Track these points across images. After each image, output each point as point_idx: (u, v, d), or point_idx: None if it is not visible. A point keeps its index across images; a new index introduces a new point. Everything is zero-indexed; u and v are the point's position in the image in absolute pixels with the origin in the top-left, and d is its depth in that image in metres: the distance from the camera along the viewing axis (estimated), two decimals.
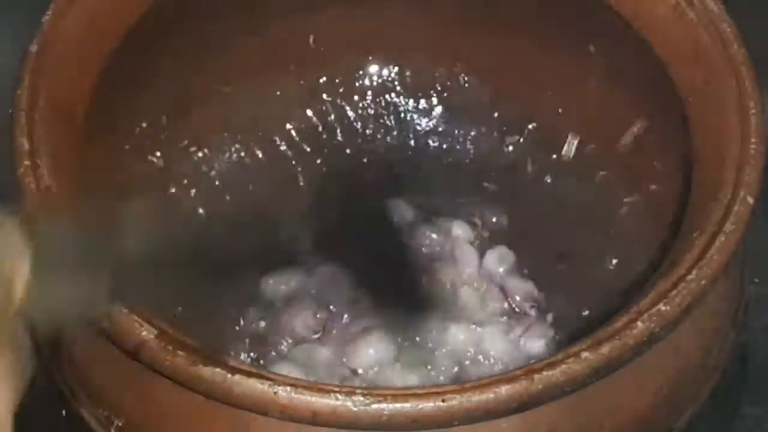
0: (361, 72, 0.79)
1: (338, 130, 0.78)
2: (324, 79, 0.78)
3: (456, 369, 0.68)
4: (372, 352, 0.67)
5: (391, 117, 0.79)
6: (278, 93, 0.77)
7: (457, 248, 0.73)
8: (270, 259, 0.73)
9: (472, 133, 0.78)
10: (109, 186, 0.67)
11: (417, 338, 0.69)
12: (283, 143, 0.77)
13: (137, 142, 0.70)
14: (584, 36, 0.70)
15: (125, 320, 0.52)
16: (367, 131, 0.79)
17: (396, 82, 0.79)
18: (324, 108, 0.78)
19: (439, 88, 0.79)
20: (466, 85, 0.78)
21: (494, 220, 0.75)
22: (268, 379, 0.49)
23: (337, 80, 0.78)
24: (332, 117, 0.78)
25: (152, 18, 0.66)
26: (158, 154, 0.72)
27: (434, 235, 0.73)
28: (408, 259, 0.72)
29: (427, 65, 0.78)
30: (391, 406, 0.49)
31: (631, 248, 0.70)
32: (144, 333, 0.51)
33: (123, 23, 0.65)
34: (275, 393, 0.49)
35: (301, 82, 0.77)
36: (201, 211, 0.74)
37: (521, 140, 0.77)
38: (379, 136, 0.79)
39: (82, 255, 0.50)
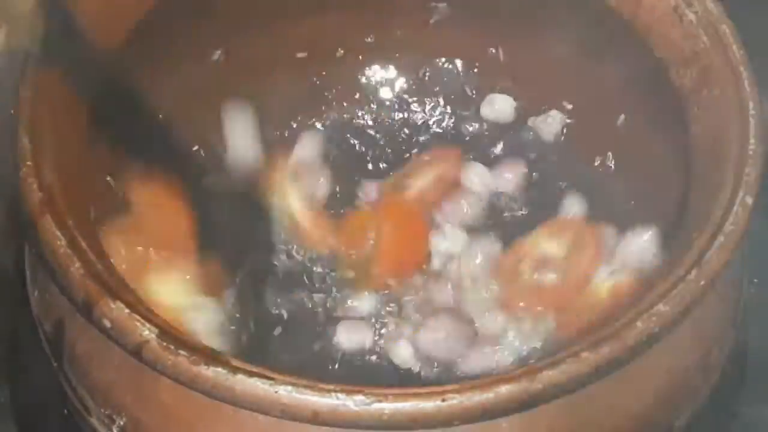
0: (362, 71, 0.79)
1: (341, 130, 0.78)
2: (326, 79, 0.78)
3: None
4: None
5: (393, 115, 0.79)
6: (280, 93, 0.77)
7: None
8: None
9: (473, 131, 0.78)
10: (111, 185, 0.67)
11: None
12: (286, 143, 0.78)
13: (140, 142, 0.70)
14: (584, 36, 0.70)
15: (127, 320, 0.52)
16: (370, 130, 0.79)
17: (398, 82, 0.79)
18: (326, 108, 0.78)
19: (440, 87, 0.79)
20: (466, 83, 0.78)
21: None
22: (270, 378, 0.49)
23: (338, 80, 0.78)
24: (335, 116, 0.79)
25: (155, 18, 0.66)
26: (160, 153, 0.72)
27: None
28: None
29: (429, 64, 0.79)
30: (391, 405, 0.49)
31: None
32: (146, 332, 0.51)
33: (125, 23, 0.65)
34: (276, 392, 0.49)
35: (303, 82, 0.77)
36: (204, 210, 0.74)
37: (521, 138, 0.77)
38: (381, 134, 0.79)
39: None
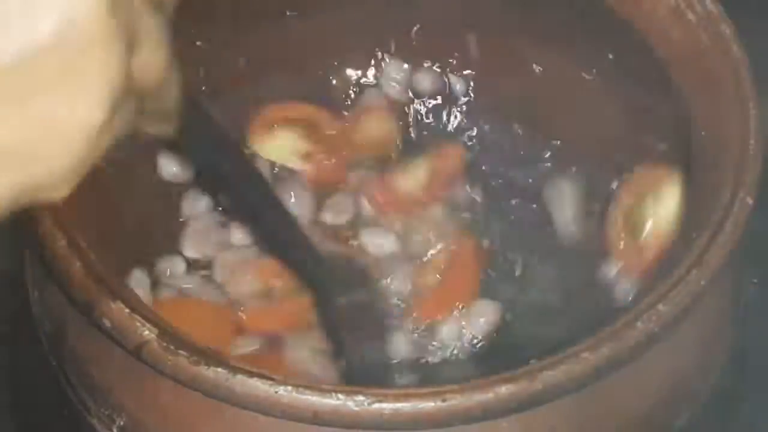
0: (362, 71, 0.79)
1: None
2: (326, 80, 0.78)
3: None
4: None
5: (394, 115, 0.79)
6: (282, 94, 0.77)
7: None
8: None
9: (475, 131, 0.78)
10: (112, 185, 0.67)
11: None
12: None
13: (140, 141, 0.70)
14: (584, 37, 0.70)
15: (127, 320, 0.52)
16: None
17: (399, 82, 0.79)
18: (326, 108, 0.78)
19: (442, 86, 0.79)
20: (471, 83, 0.78)
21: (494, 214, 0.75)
22: (270, 379, 0.49)
23: (338, 81, 0.78)
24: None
25: None
26: (161, 152, 0.72)
27: None
28: None
29: (430, 64, 0.79)
30: (391, 405, 0.49)
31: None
32: (146, 332, 0.51)
33: None
34: (276, 393, 0.49)
35: (304, 82, 0.77)
36: None
37: (521, 137, 0.77)
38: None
39: None
